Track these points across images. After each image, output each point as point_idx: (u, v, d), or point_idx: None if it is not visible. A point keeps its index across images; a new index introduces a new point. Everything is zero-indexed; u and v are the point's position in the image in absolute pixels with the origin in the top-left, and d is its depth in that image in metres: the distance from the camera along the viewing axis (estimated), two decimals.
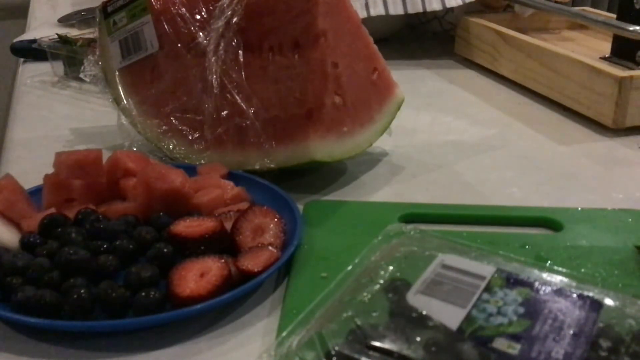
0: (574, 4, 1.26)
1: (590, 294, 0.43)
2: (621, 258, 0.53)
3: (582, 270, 0.51)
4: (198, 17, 0.68)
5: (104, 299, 0.46)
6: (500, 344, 0.39)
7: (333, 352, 0.39)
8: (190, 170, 0.61)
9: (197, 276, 0.47)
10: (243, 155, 0.64)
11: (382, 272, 0.46)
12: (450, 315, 0.41)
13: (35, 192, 0.58)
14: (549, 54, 0.87)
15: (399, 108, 0.71)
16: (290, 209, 0.56)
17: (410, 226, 0.53)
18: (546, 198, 0.65)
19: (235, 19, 0.65)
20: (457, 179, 0.69)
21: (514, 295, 0.43)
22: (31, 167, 0.68)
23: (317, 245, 0.55)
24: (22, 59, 1.05)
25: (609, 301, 0.43)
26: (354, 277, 0.46)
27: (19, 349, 0.45)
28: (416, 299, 0.43)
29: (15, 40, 1.07)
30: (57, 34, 0.98)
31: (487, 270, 0.45)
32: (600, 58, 0.88)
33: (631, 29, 0.83)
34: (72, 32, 1.02)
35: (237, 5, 0.65)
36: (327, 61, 0.64)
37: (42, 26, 1.18)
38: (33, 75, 0.98)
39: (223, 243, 0.51)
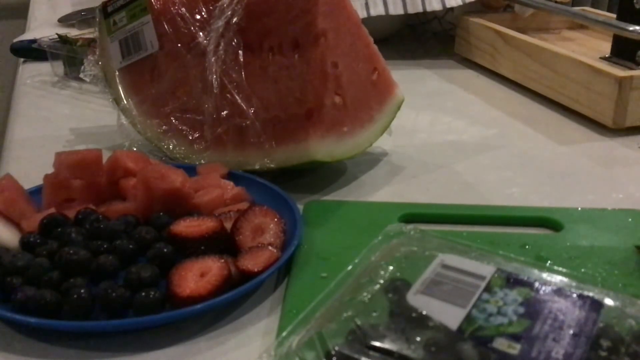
0: (574, 4, 1.26)
1: (590, 294, 0.43)
2: (621, 258, 0.53)
3: (582, 270, 0.51)
4: (198, 17, 0.68)
5: (104, 299, 0.46)
6: (500, 344, 0.39)
7: (333, 352, 0.39)
8: (190, 170, 0.61)
9: (197, 276, 0.47)
10: (243, 155, 0.64)
11: (382, 272, 0.46)
12: (450, 315, 0.41)
13: (35, 192, 0.58)
14: (549, 54, 0.87)
15: (399, 108, 0.71)
16: (290, 209, 0.56)
17: (410, 226, 0.53)
18: (546, 198, 0.65)
19: (235, 19, 0.65)
20: (457, 179, 0.69)
21: (514, 295, 0.43)
22: (31, 167, 0.68)
23: (317, 245, 0.55)
24: (22, 59, 1.05)
25: (609, 301, 0.43)
26: (354, 277, 0.46)
27: (19, 349, 0.45)
28: (416, 299, 0.43)
29: (15, 40, 1.07)
30: (57, 34, 0.98)
31: (487, 270, 0.45)
32: (600, 58, 0.88)
33: (631, 29, 0.83)
34: (72, 32, 1.02)
35: (237, 5, 0.65)
36: (327, 61, 0.64)
37: (42, 26, 1.18)
38: (33, 75, 0.98)
39: (223, 243, 0.51)
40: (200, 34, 0.67)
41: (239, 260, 0.49)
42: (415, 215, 0.60)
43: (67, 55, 0.94)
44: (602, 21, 0.90)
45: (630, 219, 0.59)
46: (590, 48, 0.99)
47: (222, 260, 0.48)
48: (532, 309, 0.42)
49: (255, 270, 0.48)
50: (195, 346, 0.45)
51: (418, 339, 0.39)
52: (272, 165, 0.63)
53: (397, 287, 0.44)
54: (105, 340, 0.46)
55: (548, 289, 0.44)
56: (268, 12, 0.65)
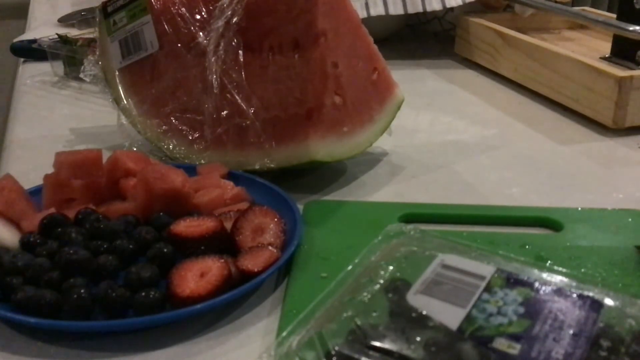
0: (574, 4, 1.26)
1: (590, 294, 0.43)
2: (621, 258, 0.53)
3: (582, 270, 0.51)
4: (198, 17, 0.68)
5: (104, 299, 0.46)
6: (500, 344, 0.39)
7: (333, 352, 0.39)
8: (190, 170, 0.61)
9: (197, 276, 0.47)
10: (243, 155, 0.64)
11: (382, 272, 0.46)
12: (450, 315, 0.41)
13: (35, 192, 0.58)
14: (549, 54, 0.87)
15: (399, 108, 0.71)
16: (290, 209, 0.56)
17: (410, 226, 0.53)
18: (546, 198, 0.65)
19: (235, 19, 0.65)
20: (457, 179, 0.69)
21: (514, 295, 0.43)
22: (31, 167, 0.68)
23: (317, 245, 0.55)
24: (22, 59, 1.05)
25: (609, 301, 0.43)
26: (354, 277, 0.46)
27: (19, 349, 0.45)
28: (416, 299, 0.43)
29: (15, 40, 1.07)
30: (57, 34, 0.98)
31: (487, 270, 0.45)
32: (600, 58, 0.88)
33: (631, 29, 0.83)
34: (72, 32, 1.02)
35: (237, 5, 0.65)
36: (327, 61, 0.64)
37: (42, 26, 1.18)
38: (33, 75, 0.98)
39: (223, 243, 0.51)
40: (200, 34, 0.67)
41: (239, 260, 0.49)
42: (415, 215, 0.60)
43: (67, 55, 0.94)
44: (602, 21, 0.90)
45: (630, 219, 0.59)
46: (590, 48, 0.99)
47: (222, 260, 0.48)
48: (532, 309, 0.42)
49: (255, 270, 0.48)
50: (196, 346, 0.45)
51: (418, 339, 0.39)
52: (272, 165, 0.63)
53: (397, 287, 0.44)
54: (105, 340, 0.46)
55: (548, 289, 0.44)
56: (268, 12, 0.65)
